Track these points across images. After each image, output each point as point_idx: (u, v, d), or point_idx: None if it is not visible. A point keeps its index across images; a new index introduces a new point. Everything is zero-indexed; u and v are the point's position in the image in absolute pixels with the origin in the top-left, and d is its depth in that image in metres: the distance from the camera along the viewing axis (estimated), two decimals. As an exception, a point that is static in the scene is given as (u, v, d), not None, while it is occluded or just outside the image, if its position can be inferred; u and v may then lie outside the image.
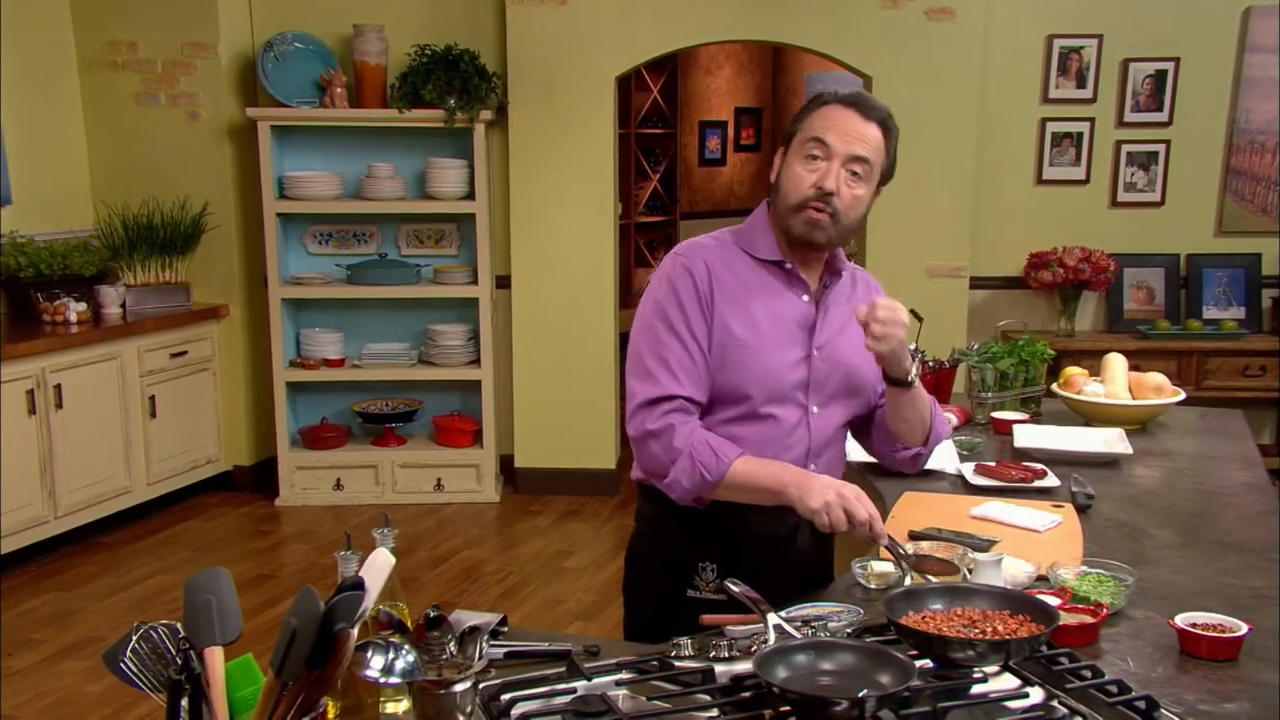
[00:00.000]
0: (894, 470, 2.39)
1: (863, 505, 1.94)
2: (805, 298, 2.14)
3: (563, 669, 1.70)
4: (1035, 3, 5.62)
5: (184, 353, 5.54)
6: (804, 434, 2.14)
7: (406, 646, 1.35)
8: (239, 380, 5.84)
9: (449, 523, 5.48)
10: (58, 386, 4.84)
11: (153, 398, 5.36)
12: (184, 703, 1.23)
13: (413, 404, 5.85)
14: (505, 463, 5.95)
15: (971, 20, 5.42)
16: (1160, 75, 5.62)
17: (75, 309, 5.12)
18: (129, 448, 5.25)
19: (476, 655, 1.47)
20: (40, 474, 4.80)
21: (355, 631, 1.29)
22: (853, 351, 2.19)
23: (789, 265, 2.12)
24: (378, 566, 1.39)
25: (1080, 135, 5.69)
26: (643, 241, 9.56)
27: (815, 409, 2.14)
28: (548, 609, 4.49)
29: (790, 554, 2.20)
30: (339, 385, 5.84)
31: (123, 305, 5.40)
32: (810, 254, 2.13)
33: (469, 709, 1.46)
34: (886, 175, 2.10)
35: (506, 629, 1.89)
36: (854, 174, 2.03)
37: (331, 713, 1.51)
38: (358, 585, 1.30)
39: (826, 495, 1.94)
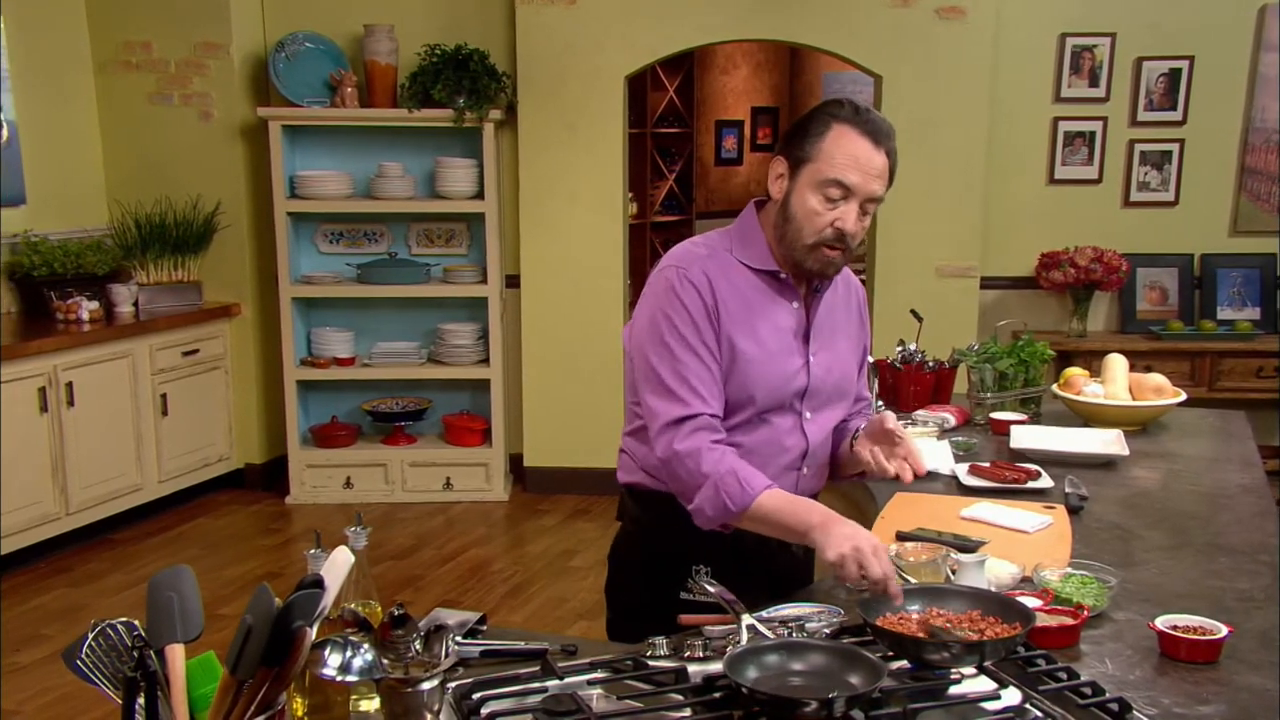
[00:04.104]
0: None
1: (879, 561, 1.83)
2: (796, 304, 2.14)
3: (536, 668, 1.70)
4: (1047, 1, 5.58)
5: (195, 351, 5.58)
6: (799, 439, 2.15)
7: (365, 645, 1.36)
8: (250, 379, 5.88)
9: (457, 521, 5.49)
10: (70, 384, 4.88)
11: (164, 396, 5.39)
12: (140, 700, 1.23)
13: (422, 403, 5.87)
14: (514, 461, 5.96)
15: (982, 19, 5.38)
16: (1174, 74, 5.57)
17: (88, 307, 5.16)
18: (140, 445, 5.29)
19: (443, 654, 1.47)
20: (51, 471, 4.84)
21: (314, 629, 1.29)
22: (841, 355, 2.21)
23: (784, 275, 2.12)
24: (338, 565, 1.39)
25: (1093, 134, 5.65)
26: (659, 241, 9.54)
27: (809, 414, 2.15)
28: (552, 608, 4.49)
29: (782, 558, 2.20)
30: (349, 384, 5.86)
31: (135, 304, 5.44)
32: None
33: (436, 707, 1.47)
34: None
35: (485, 627, 1.90)
36: (865, 210, 2.03)
37: (300, 710, 1.52)
38: (317, 583, 1.30)
39: (843, 548, 1.85)
